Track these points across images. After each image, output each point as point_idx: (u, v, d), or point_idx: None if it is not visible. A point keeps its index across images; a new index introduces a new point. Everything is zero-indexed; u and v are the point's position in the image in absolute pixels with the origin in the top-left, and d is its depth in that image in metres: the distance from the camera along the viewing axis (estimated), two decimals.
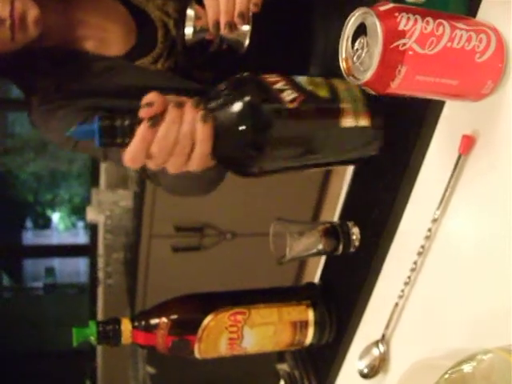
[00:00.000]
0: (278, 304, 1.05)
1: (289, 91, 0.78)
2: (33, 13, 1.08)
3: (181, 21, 1.20)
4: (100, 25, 1.23)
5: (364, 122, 0.81)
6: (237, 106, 0.79)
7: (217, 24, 0.99)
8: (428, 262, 0.86)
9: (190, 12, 1.07)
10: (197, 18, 1.06)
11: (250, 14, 0.99)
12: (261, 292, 1.12)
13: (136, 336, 0.99)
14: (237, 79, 0.83)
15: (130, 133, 0.77)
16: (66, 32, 1.21)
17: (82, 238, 6.29)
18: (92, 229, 4.24)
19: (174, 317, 1.00)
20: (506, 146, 0.71)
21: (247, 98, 0.79)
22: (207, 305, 1.03)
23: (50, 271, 6.43)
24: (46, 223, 6.93)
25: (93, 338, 0.96)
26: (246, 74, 0.84)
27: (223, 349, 1.02)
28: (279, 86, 0.79)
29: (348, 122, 0.80)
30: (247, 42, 1.06)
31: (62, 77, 1.23)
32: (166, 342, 0.99)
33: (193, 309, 1.03)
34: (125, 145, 0.78)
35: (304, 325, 1.05)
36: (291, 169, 0.88)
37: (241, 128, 0.78)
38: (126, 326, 0.98)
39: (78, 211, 6.23)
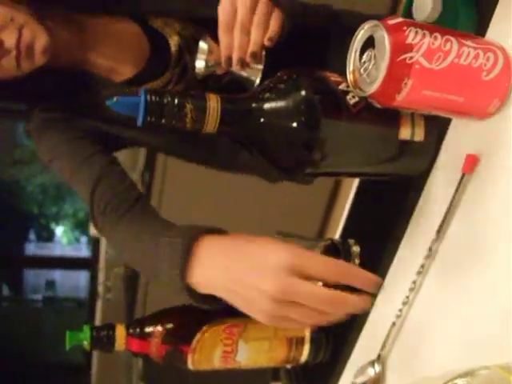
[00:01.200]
0: None
1: (351, 94, 0.75)
2: (41, 41, 1.06)
3: (195, 46, 1.18)
4: (112, 49, 1.22)
5: (420, 135, 0.79)
6: (298, 100, 0.74)
7: (229, 60, 0.98)
8: (427, 282, 0.85)
9: (202, 45, 1.06)
10: (209, 51, 1.05)
11: (264, 53, 0.99)
12: None
13: (130, 343, 0.98)
14: (301, 72, 0.78)
15: (178, 114, 0.71)
16: (75, 54, 1.19)
17: (84, 252, 6.29)
18: (94, 242, 4.23)
19: (169, 326, 0.99)
20: (510, 167, 0.70)
21: (312, 94, 0.74)
22: (203, 316, 1.02)
23: (50, 284, 6.43)
24: (49, 236, 6.93)
25: (86, 343, 0.96)
26: (308, 68, 0.78)
27: (217, 361, 1.01)
28: (343, 86, 0.76)
29: (405, 133, 0.77)
30: (258, 80, 1.03)
31: (67, 96, 1.22)
32: (159, 350, 0.98)
33: (188, 319, 1.02)
34: (169, 126, 0.72)
35: (300, 341, 1.04)
36: (335, 174, 0.85)
37: (299, 124, 0.74)
38: (121, 332, 0.97)
39: (82, 226, 6.23)
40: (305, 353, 1.05)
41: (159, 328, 0.98)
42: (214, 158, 1.38)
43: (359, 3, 1.34)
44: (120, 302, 3.52)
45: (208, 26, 1.13)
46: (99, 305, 3.78)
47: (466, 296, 0.77)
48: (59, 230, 6.95)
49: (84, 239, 6.44)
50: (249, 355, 1.02)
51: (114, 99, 0.72)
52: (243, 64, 0.98)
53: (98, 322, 3.83)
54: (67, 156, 1.21)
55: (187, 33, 1.25)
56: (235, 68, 0.99)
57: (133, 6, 1.23)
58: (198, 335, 0.99)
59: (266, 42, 0.97)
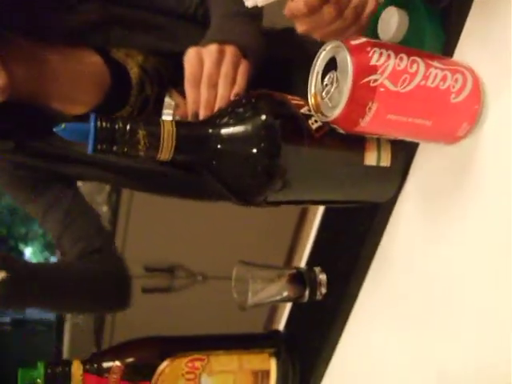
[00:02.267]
0: (239, 351, 1.00)
1: (314, 118, 0.70)
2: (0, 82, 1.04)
3: (157, 79, 1.20)
4: (72, 81, 1.19)
5: (386, 161, 0.75)
6: (257, 126, 0.70)
7: (196, 115, 0.95)
8: (397, 311, 0.82)
9: (168, 100, 1.05)
10: (175, 106, 1.04)
11: None
12: (221, 338, 1.07)
13: (87, 380, 0.93)
14: (260, 96, 0.74)
15: (130, 140, 0.66)
16: (33, 86, 1.16)
17: None
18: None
19: (129, 360, 0.94)
20: (481, 191, 0.67)
21: (272, 119, 0.70)
22: (164, 349, 0.97)
23: None
24: (18, 257, 6.84)
25: (39, 381, 0.90)
26: (267, 92, 0.75)
27: None
28: (305, 110, 0.72)
29: (371, 159, 0.74)
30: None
31: (24, 134, 1.21)
32: None
33: (148, 353, 0.97)
34: (122, 154, 0.67)
35: (265, 375, 1.00)
36: (299, 202, 0.82)
37: (259, 150, 0.70)
38: (77, 368, 0.93)
39: (51, 246, 6.15)
40: None
41: (118, 363, 0.94)
42: (175, 187, 1.37)
43: None
44: (88, 326, 3.46)
45: (171, 59, 1.16)
46: (67, 328, 3.70)
47: (437, 328, 0.74)
48: (28, 251, 6.86)
49: (54, 259, 6.36)
50: None
51: (63, 126, 0.66)
52: None
53: (66, 346, 3.76)
54: (33, 206, 1.30)
55: (149, 65, 1.22)
56: None
57: (97, 38, 1.20)
58: (159, 370, 0.94)
59: (233, 97, 0.95)
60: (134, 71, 1.20)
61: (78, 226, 1.29)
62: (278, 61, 1.20)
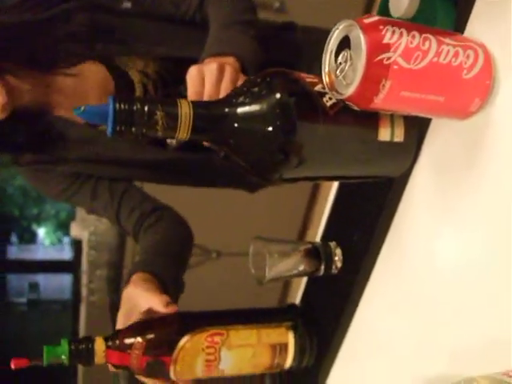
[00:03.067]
0: (258, 326, 1.02)
1: (328, 96, 0.71)
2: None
3: (160, 82, 1.25)
4: (77, 90, 1.23)
5: (400, 136, 0.76)
6: (272, 104, 0.71)
7: None
8: (411, 286, 0.83)
9: None
10: None
11: None
12: (240, 313, 1.09)
13: (110, 356, 0.95)
14: (275, 74, 0.75)
15: (148, 121, 0.67)
16: (40, 97, 1.21)
17: (67, 253, 6.25)
18: (76, 245, 4.19)
19: (150, 337, 0.96)
20: (493, 166, 0.68)
21: (287, 97, 0.71)
22: (184, 325, 0.99)
23: (33, 286, 6.38)
24: (31, 238, 6.88)
25: (64, 358, 0.93)
26: (281, 70, 0.75)
27: (200, 371, 0.99)
28: (319, 88, 0.73)
29: (385, 134, 0.75)
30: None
31: (35, 143, 1.26)
32: (140, 362, 0.95)
33: (169, 329, 0.99)
34: (140, 136, 0.69)
35: (284, 348, 1.02)
36: (314, 179, 0.83)
37: (274, 128, 0.70)
38: (100, 344, 0.95)
39: (64, 226, 6.18)
40: (289, 359, 1.03)
41: (139, 339, 0.96)
42: (187, 178, 1.42)
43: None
44: (104, 304, 3.49)
45: (171, 62, 1.23)
46: (83, 307, 3.74)
47: (451, 301, 0.75)
48: (41, 232, 6.90)
49: (67, 240, 6.39)
50: (232, 363, 1.00)
51: (82, 108, 0.68)
52: None
53: (82, 324, 3.80)
54: (76, 201, 1.40)
55: (150, 70, 1.26)
56: None
57: (97, 48, 1.24)
58: (180, 345, 0.96)
59: None
60: (135, 76, 1.25)
61: (125, 201, 1.36)
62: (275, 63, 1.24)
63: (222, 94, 0.95)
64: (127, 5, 1.24)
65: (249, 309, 1.10)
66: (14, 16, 1.16)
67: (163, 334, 0.99)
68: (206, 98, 0.96)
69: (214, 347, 0.98)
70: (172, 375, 0.97)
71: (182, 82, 1.07)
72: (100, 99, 1.23)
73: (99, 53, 1.23)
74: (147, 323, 1.00)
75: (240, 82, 0.98)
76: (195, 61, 1.02)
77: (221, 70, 0.96)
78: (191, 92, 0.96)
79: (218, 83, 0.95)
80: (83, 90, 1.23)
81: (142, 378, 1.00)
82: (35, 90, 1.18)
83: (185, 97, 1.04)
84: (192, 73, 0.96)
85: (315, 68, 0.70)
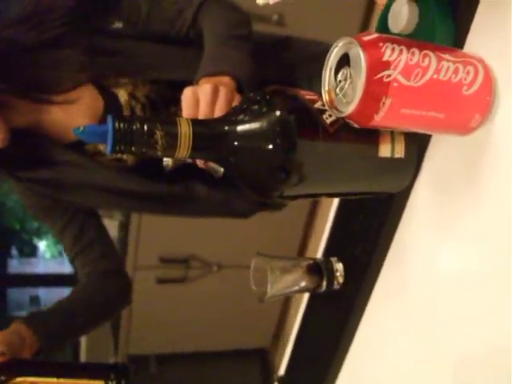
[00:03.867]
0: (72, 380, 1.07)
1: (328, 113, 0.71)
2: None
3: (149, 106, 1.25)
4: (69, 116, 1.23)
5: (400, 152, 0.76)
6: (272, 122, 0.70)
7: None
8: (413, 300, 0.83)
9: None
10: None
11: None
12: (61, 366, 1.15)
13: None
14: (274, 92, 0.75)
15: (148, 141, 0.67)
16: (29, 117, 1.22)
17: (68, 266, 6.23)
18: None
19: None
20: (494, 181, 0.68)
21: (287, 115, 0.71)
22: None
23: (34, 300, 6.35)
24: (32, 251, 6.86)
25: None
26: (281, 87, 0.76)
27: None
28: (319, 105, 0.73)
29: (385, 151, 0.75)
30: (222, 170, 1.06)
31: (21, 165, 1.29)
32: None
33: None
34: (141, 154, 0.69)
35: None
36: (315, 196, 0.82)
37: (274, 146, 0.70)
38: None
39: None
40: None
41: None
42: (170, 209, 1.44)
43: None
44: None
45: (163, 84, 1.24)
46: None
47: (453, 314, 0.75)
48: (42, 245, 6.88)
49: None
50: None
51: (81, 128, 0.67)
52: None
53: (83, 338, 3.78)
54: (49, 224, 1.43)
55: (139, 93, 1.26)
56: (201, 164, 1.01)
57: (92, 70, 1.24)
58: None
59: None
60: (124, 99, 1.25)
61: (84, 253, 1.42)
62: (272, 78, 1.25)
63: (217, 115, 0.95)
64: (119, 25, 1.24)
65: (71, 363, 1.16)
66: (19, 34, 1.16)
67: None
68: (201, 117, 0.96)
69: None
70: None
71: (174, 103, 1.07)
72: (91, 119, 1.24)
73: (91, 75, 1.24)
74: None
75: (236, 102, 0.99)
76: (187, 82, 1.02)
77: (215, 91, 0.96)
78: (186, 114, 0.96)
79: (212, 104, 0.95)
80: (76, 114, 1.24)
81: None
82: (27, 116, 1.20)
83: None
84: (186, 94, 0.96)
85: (312, 82, 0.70)
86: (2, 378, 1.01)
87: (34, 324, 1.21)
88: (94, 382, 1.06)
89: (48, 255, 6.88)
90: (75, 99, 1.21)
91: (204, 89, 0.95)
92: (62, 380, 1.04)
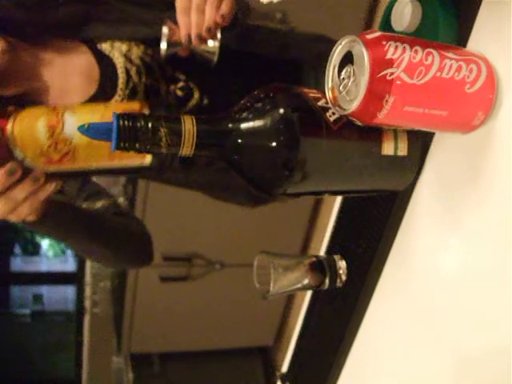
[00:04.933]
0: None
1: (331, 111, 0.72)
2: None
3: (144, 68, 1.26)
4: (64, 73, 1.22)
5: (403, 150, 0.76)
6: (276, 119, 0.71)
7: (188, 37, 1.13)
8: (416, 298, 0.83)
9: (164, 29, 1.20)
10: (171, 34, 1.18)
11: (219, 31, 1.16)
12: None
13: None
14: (278, 90, 0.75)
15: (152, 138, 0.68)
16: (24, 83, 1.19)
17: (70, 264, 6.24)
18: (80, 256, 4.19)
19: None
20: (496, 179, 0.68)
21: (291, 113, 0.71)
22: None
23: (37, 298, 6.37)
24: (35, 250, 6.87)
25: None
26: (284, 85, 0.76)
27: (43, 137, 0.96)
28: (322, 103, 0.73)
29: (389, 149, 0.75)
30: (216, 57, 1.18)
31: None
32: None
33: None
34: (144, 151, 0.69)
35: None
36: (318, 193, 0.83)
37: (278, 143, 0.71)
38: None
39: None
40: None
41: None
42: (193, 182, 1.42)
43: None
44: (107, 316, 3.49)
45: (155, 45, 1.24)
46: (87, 319, 3.74)
47: (456, 311, 0.75)
48: (45, 243, 6.89)
49: (70, 251, 6.38)
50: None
51: (86, 125, 0.68)
52: (201, 39, 1.14)
53: (86, 335, 3.79)
54: None
55: (133, 55, 1.26)
56: (194, 43, 1.15)
57: (81, 32, 1.25)
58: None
59: (219, 19, 1.13)
60: (119, 61, 1.25)
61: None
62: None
63: (208, 5, 1.07)
64: None
65: None
66: None
67: None
68: (194, 6, 1.09)
69: (57, 111, 0.96)
70: (12, 142, 0.95)
71: (169, 65, 1.17)
72: (88, 82, 1.23)
73: (84, 37, 1.25)
74: None
75: (225, 3, 1.12)
76: None
77: None
78: (180, 6, 1.07)
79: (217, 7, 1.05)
80: (71, 72, 1.22)
81: None
82: (20, 70, 1.17)
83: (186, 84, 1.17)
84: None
85: (319, 81, 0.71)
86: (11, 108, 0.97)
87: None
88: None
89: (51, 253, 6.89)
90: (69, 54, 1.22)
91: None
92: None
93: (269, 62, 1.27)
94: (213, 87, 1.31)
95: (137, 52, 1.26)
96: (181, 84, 1.29)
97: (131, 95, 1.24)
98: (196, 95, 1.29)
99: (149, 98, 1.23)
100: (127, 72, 1.24)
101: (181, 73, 1.30)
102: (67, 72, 1.22)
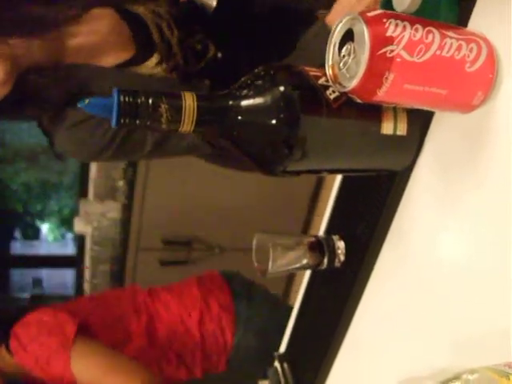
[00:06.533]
0: None
1: (332, 89, 0.72)
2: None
3: (173, 22, 1.23)
4: (93, 37, 1.19)
5: (403, 130, 0.76)
6: (276, 97, 0.71)
7: None
8: (414, 278, 0.84)
9: None
10: None
11: None
12: None
13: None
14: (279, 68, 0.75)
15: (152, 114, 0.67)
16: (54, 50, 1.16)
17: (70, 248, 6.25)
18: (79, 240, 4.20)
19: None
20: (496, 159, 0.69)
21: (291, 90, 0.72)
22: None
23: (37, 282, 6.38)
24: (34, 234, 6.89)
25: None
26: (286, 63, 0.77)
27: None
28: (323, 81, 0.73)
29: (388, 128, 0.75)
30: (215, 3, 1.19)
31: (63, 90, 1.19)
32: None
33: None
34: (145, 127, 0.69)
35: None
36: (317, 171, 0.83)
37: (278, 121, 0.71)
38: None
39: (67, 222, 6.19)
40: None
41: None
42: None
43: None
44: None
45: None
46: None
47: (454, 292, 0.75)
48: (45, 228, 6.90)
49: (70, 235, 6.39)
50: None
51: (86, 101, 0.68)
52: None
53: None
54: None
55: (162, 10, 1.25)
56: None
57: None
58: None
59: None
60: (148, 17, 1.23)
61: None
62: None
63: None
64: None
65: None
66: None
67: None
68: None
69: None
70: None
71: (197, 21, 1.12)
72: (117, 45, 1.21)
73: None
74: None
75: None
76: None
77: None
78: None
79: None
80: (99, 36, 1.20)
81: None
82: (46, 44, 1.13)
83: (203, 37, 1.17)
84: None
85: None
86: None
87: None
88: None
89: (51, 238, 6.91)
90: (94, 20, 1.18)
91: None
92: None
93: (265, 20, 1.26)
94: (223, 41, 1.29)
95: (165, 7, 1.25)
96: (199, 37, 1.28)
97: (168, 53, 1.22)
98: (212, 48, 1.29)
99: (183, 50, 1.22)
100: (159, 27, 1.23)
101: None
102: (98, 33, 1.19)
